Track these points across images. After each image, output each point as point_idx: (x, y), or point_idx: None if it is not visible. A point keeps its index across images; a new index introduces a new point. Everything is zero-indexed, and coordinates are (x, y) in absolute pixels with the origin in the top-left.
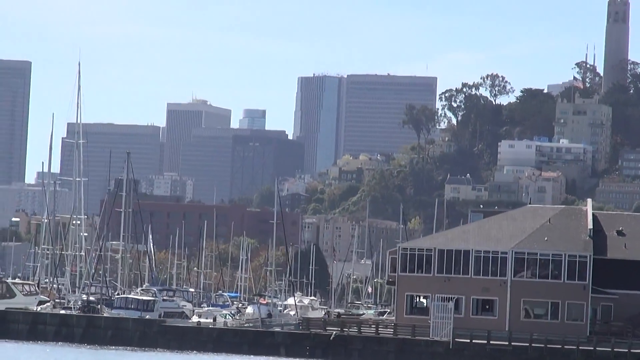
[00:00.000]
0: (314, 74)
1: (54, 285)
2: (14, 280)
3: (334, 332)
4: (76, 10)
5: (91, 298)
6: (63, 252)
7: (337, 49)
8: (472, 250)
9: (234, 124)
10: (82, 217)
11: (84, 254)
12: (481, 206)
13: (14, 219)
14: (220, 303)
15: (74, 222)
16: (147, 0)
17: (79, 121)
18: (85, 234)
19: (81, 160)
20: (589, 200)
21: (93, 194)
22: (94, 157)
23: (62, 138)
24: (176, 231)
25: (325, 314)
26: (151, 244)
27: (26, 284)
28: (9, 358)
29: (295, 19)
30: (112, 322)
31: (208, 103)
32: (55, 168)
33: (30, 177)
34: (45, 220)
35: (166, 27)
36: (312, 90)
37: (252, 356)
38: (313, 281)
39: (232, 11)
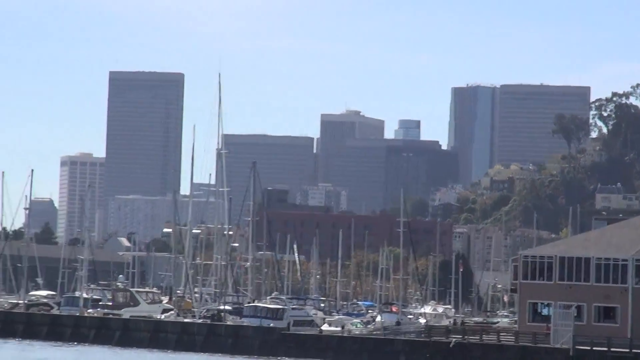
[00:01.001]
0: (467, 84)
1: (193, 295)
2: (138, 289)
3: (454, 340)
4: (232, 24)
5: (227, 307)
6: (205, 262)
7: (490, 59)
8: (593, 257)
9: (388, 134)
10: (226, 226)
11: (224, 263)
12: (605, 213)
13: (165, 230)
14: (355, 312)
15: (224, 232)
16: (302, 15)
17: (220, 132)
18: (236, 244)
19: (224, 170)
20: None
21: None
22: (249, 168)
23: (216, 149)
24: (325, 241)
25: (451, 322)
26: (296, 253)
27: (150, 292)
28: None
29: (448, 30)
30: (233, 330)
31: (361, 114)
32: (211, 179)
33: (185, 188)
34: (197, 231)
35: (320, 40)
36: (465, 101)
37: None
38: (454, 290)
39: (384, 24)
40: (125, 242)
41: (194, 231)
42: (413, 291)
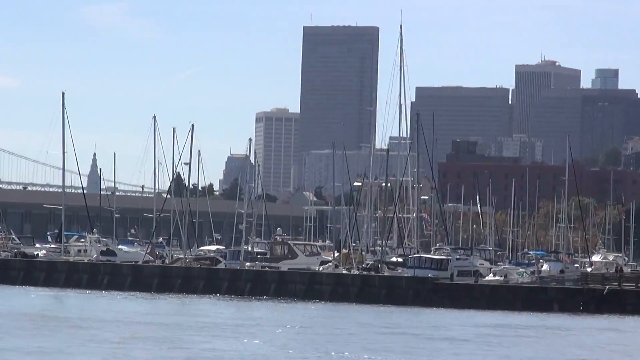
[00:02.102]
0: None
1: (365, 247)
2: (296, 241)
3: (607, 287)
4: None
5: (399, 259)
6: (385, 215)
7: None
8: None
9: (584, 84)
10: (407, 179)
11: (400, 215)
12: None
13: (355, 184)
14: (526, 261)
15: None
16: None
17: (402, 84)
18: (425, 197)
19: (406, 122)
20: None
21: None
22: (442, 121)
23: (411, 102)
24: (515, 192)
25: (608, 269)
26: (479, 204)
27: (309, 244)
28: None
29: None
30: (386, 280)
31: (557, 64)
32: (394, 131)
33: (380, 142)
34: (385, 184)
35: None
36: None
37: (522, 312)
38: (628, 238)
39: None
40: (311, 196)
41: (381, 185)
42: (579, 240)
